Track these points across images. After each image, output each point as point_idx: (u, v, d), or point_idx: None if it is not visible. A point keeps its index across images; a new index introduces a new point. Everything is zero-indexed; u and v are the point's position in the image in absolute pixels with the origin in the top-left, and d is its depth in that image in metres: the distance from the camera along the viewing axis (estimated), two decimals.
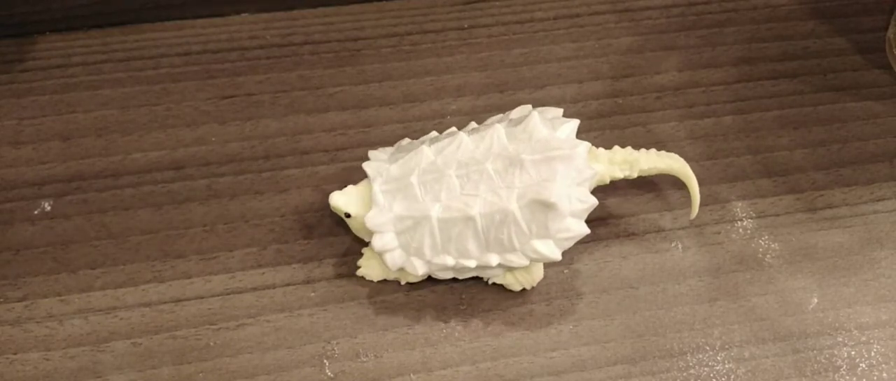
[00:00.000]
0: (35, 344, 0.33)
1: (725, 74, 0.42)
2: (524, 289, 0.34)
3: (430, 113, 0.40)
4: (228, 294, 0.35)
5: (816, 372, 0.33)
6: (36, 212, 0.37)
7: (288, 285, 0.35)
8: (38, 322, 0.34)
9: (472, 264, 0.32)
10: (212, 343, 0.34)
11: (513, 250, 0.32)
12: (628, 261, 0.36)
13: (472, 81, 0.41)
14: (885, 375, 0.34)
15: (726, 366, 0.34)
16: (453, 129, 0.35)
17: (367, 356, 0.34)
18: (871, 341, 0.34)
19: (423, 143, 0.33)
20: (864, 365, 0.34)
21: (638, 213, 0.37)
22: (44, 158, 0.38)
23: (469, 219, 0.31)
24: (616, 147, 0.34)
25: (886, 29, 0.43)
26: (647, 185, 0.38)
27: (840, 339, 0.34)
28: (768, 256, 0.36)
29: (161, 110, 0.40)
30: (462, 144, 0.32)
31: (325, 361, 0.33)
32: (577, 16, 0.44)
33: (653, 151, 0.35)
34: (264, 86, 0.41)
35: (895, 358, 0.34)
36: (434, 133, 0.35)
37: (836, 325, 0.35)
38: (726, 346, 0.34)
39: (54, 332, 0.34)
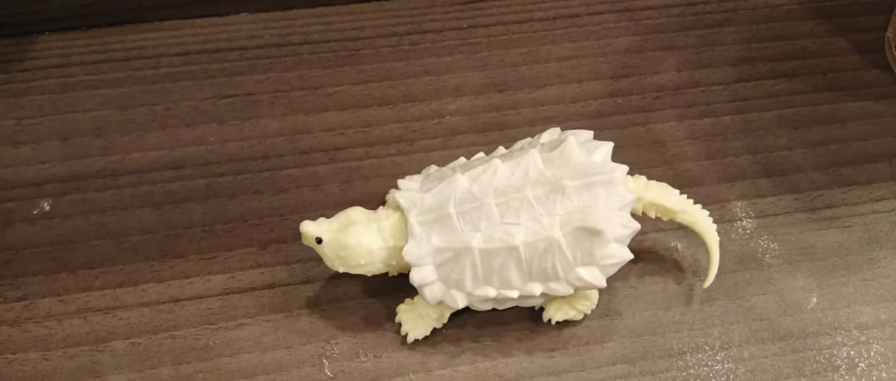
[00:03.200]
0: (34, 344, 0.33)
1: (724, 74, 0.42)
2: (585, 316, 0.34)
3: (429, 113, 0.40)
4: (227, 294, 0.35)
5: (815, 372, 0.33)
6: (35, 212, 0.37)
7: (287, 284, 0.35)
8: (36, 322, 0.34)
9: (514, 294, 0.31)
10: (211, 343, 0.34)
11: (557, 278, 0.31)
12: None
13: (470, 81, 0.41)
14: (884, 375, 0.34)
15: (726, 366, 0.34)
16: (481, 154, 0.34)
17: (366, 355, 0.34)
18: (871, 340, 0.34)
19: (454, 170, 0.32)
20: (863, 365, 0.34)
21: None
22: (43, 158, 0.38)
23: (512, 249, 0.30)
24: (652, 184, 0.34)
25: (885, 29, 0.43)
26: None
27: (839, 339, 0.34)
28: (767, 256, 0.36)
29: (160, 110, 0.40)
30: (497, 170, 0.31)
31: (324, 361, 0.33)
32: (577, 16, 0.44)
33: (683, 199, 0.34)
34: (263, 85, 0.41)
35: (894, 358, 0.34)
36: (462, 159, 0.34)
37: (836, 325, 0.35)
38: (726, 346, 0.34)
39: (53, 332, 0.34)
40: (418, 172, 0.37)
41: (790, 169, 0.39)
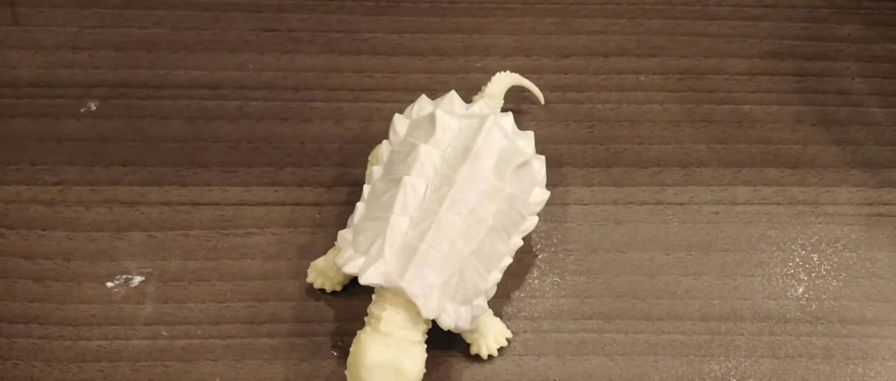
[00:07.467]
0: (62, 224, 0.37)
1: (750, 65, 0.42)
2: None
3: (455, 67, 0.42)
4: (241, 205, 0.37)
5: (789, 356, 0.34)
6: (82, 110, 0.40)
7: (296, 204, 0.37)
8: (67, 206, 0.37)
9: (508, 261, 0.33)
10: (219, 246, 0.36)
11: (524, 218, 0.33)
12: (621, 227, 0.37)
13: (500, 43, 0.43)
14: (859, 369, 0.34)
15: (702, 337, 0.34)
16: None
17: None
18: (851, 335, 0.35)
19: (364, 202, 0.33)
20: (839, 356, 0.34)
21: (639, 184, 0.38)
22: (97, 64, 0.42)
23: (490, 229, 0.32)
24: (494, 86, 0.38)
25: None
26: (652, 160, 0.39)
27: (820, 328, 0.35)
28: (762, 242, 0.37)
29: (207, 35, 0.43)
30: (415, 188, 0.32)
31: None
32: None
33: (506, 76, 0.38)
34: (305, 24, 0.43)
35: (873, 354, 0.34)
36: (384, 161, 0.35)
37: (819, 315, 0.35)
38: (705, 318, 0.35)
39: (81, 216, 0.37)
40: None
41: (800, 163, 0.39)
